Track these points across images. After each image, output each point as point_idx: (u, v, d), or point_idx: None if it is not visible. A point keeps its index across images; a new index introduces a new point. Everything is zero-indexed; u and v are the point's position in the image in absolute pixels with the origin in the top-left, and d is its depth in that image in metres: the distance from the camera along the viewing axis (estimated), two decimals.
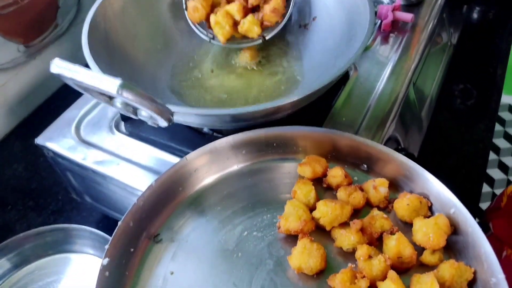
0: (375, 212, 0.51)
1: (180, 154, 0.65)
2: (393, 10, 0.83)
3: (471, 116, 0.94)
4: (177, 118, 0.55)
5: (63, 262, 0.71)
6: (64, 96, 0.73)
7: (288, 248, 0.49)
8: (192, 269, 0.49)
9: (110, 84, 0.44)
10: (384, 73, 0.75)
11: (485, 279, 0.44)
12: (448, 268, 0.45)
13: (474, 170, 0.84)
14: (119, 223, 0.49)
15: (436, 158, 0.86)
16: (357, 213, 0.52)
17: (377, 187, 0.52)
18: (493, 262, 0.44)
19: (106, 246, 0.48)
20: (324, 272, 0.48)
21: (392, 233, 0.49)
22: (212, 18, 0.71)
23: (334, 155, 0.57)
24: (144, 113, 0.51)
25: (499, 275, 0.43)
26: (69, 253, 0.72)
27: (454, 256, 0.48)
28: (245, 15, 0.71)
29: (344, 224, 0.50)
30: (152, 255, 0.50)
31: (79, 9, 1.00)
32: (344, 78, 0.73)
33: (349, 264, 0.47)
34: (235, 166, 0.58)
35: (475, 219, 0.47)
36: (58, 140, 0.69)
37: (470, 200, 0.79)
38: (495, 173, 1.82)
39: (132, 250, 0.50)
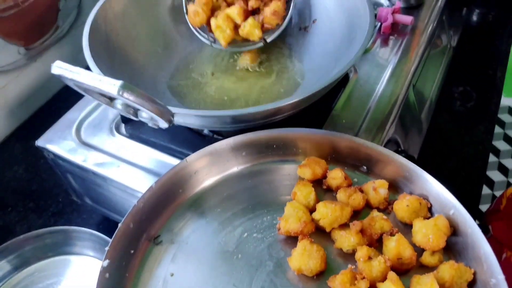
0: (375, 213, 0.51)
1: (180, 156, 0.65)
2: (393, 12, 0.83)
3: (471, 118, 0.94)
4: (177, 120, 0.55)
5: (63, 264, 0.71)
6: (64, 98, 0.73)
7: (288, 250, 0.50)
8: (192, 271, 0.49)
9: (111, 85, 0.44)
10: (384, 75, 0.75)
11: (484, 280, 0.44)
12: (448, 269, 0.45)
13: (474, 172, 0.84)
14: (119, 225, 0.49)
15: (436, 160, 0.86)
16: (357, 214, 0.52)
17: (377, 189, 0.52)
18: (493, 263, 0.44)
19: (106, 248, 0.48)
20: (324, 274, 0.48)
21: (392, 234, 0.49)
22: (213, 22, 0.71)
23: (334, 156, 0.57)
24: (145, 115, 0.52)
25: (499, 276, 0.43)
26: (69, 255, 0.72)
27: (453, 257, 0.48)
28: (245, 18, 0.71)
29: (344, 226, 0.50)
30: (152, 257, 0.51)
31: (79, 11, 1.00)
32: (344, 80, 0.73)
33: (349, 265, 0.47)
34: (235, 168, 0.58)
35: (475, 221, 0.47)
36: (58, 142, 0.69)
37: (470, 202, 0.79)
38: (495, 175, 1.82)
39: (132, 252, 0.50)
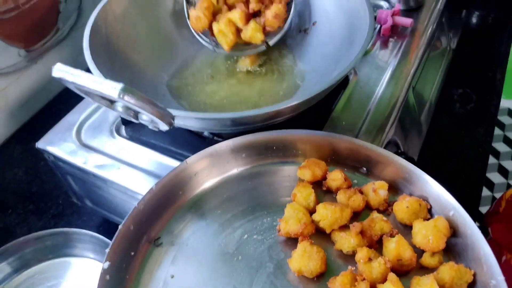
0: (375, 214, 0.51)
1: (181, 158, 0.65)
2: (393, 15, 0.83)
3: (470, 120, 0.94)
4: (177, 122, 0.56)
5: (63, 266, 0.71)
6: (65, 100, 0.73)
7: (288, 251, 0.50)
8: (192, 273, 0.49)
9: (112, 88, 0.44)
10: (384, 77, 0.75)
11: (484, 281, 0.44)
12: (448, 270, 0.45)
13: (474, 174, 0.84)
14: (120, 226, 0.50)
15: (436, 162, 0.86)
16: (356, 216, 0.52)
17: (377, 190, 0.52)
18: (493, 264, 0.44)
19: (107, 250, 0.48)
20: (324, 275, 0.48)
21: (391, 235, 0.49)
22: (215, 26, 0.71)
23: (334, 158, 0.57)
24: (145, 117, 0.52)
25: (499, 277, 0.43)
26: (70, 257, 0.72)
27: (453, 258, 0.48)
28: (247, 21, 0.72)
29: (344, 227, 0.50)
30: (153, 258, 0.51)
31: (79, 13, 1.00)
32: (344, 82, 0.73)
33: (349, 267, 0.47)
34: (235, 169, 0.58)
35: (474, 222, 0.47)
36: (59, 144, 0.69)
37: (469, 204, 0.79)
38: (495, 177, 1.82)
39: (132, 253, 0.50)
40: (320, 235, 0.51)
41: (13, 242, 0.69)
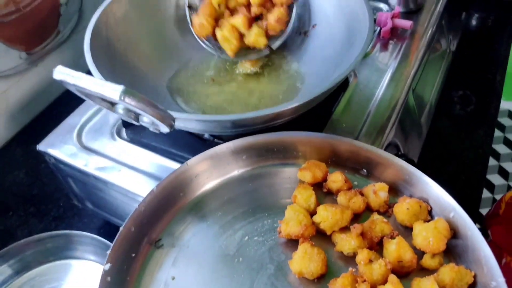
0: (375, 216, 0.51)
1: (181, 160, 0.65)
2: (392, 17, 0.83)
3: (470, 122, 0.94)
4: (178, 124, 0.56)
5: (64, 268, 0.71)
6: (65, 102, 0.73)
7: (289, 253, 0.50)
8: (193, 274, 0.49)
9: (113, 90, 0.45)
10: (384, 79, 0.75)
11: (485, 283, 0.44)
12: (448, 272, 0.45)
13: (474, 176, 0.85)
14: (121, 228, 0.50)
15: (436, 164, 0.86)
16: (357, 217, 0.52)
17: (377, 192, 0.52)
18: (493, 266, 0.44)
19: (108, 252, 0.48)
20: (325, 277, 0.48)
21: (392, 237, 0.49)
22: (219, 33, 0.72)
23: (334, 160, 0.58)
24: (146, 119, 0.52)
25: (499, 279, 0.43)
26: (70, 259, 0.72)
27: (454, 260, 0.48)
28: (250, 26, 0.72)
29: (345, 229, 0.50)
30: (153, 260, 0.51)
31: (80, 16, 1.00)
32: (344, 84, 0.74)
33: (350, 269, 0.47)
34: (235, 171, 0.58)
35: (475, 224, 0.47)
36: (60, 147, 0.69)
37: (470, 206, 0.79)
38: (495, 179, 1.82)
39: (133, 255, 0.50)
40: (320, 237, 0.51)
41: (14, 244, 0.69)
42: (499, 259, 0.45)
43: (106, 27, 0.69)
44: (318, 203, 0.52)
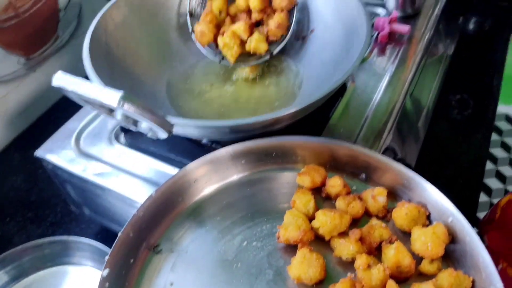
0: (374, 221, 0.51)
1: (179, 165, 0.65)
2: (390, 22, 0.84)
3: (468, 126, 0.94)
4: (176, 130, 0.56)
5: (61, 274, 0.71)
6: (64, 108, 0.73)
7: (287, 258, 0.50)
8: (191, 280, 0.49)
9: (111, 96, 0.45)
10: (381, 84, 0.75)
11: None
12: (447, 277, 0.45)
13: (471, 180, 0.85)
14: (119, 233, 0.49)
15: (433, 168, 0.86)
16: (356, 222, 0.52)
17: (376, 197, 0.52)
18: (492, 271, 0.44)
19: (106, 257, 0.48)
20: (323, 282, 0.48)
21: (391, 242, 0.49)
22: (220, 40, 0.72)
23: (333, 164, 0.58)
24: (144, 125, 0.52)
25: (498, 284, 0.43)
26: (68, 265, 0.71)
27: (452, 265, 0.48)
28: (251, 32, 0.73)
29: (343, 234, 0.50)
30: (152, 266, 0.50)
31: (79, 21, 1.01)
32: (341, 89, 0.74)
33: (349, 274, 0.47)
34: (234, 176, 0.58)
35: (473, 228, 0.48)
36: (58, 152, 0.69)
37: (467, 209, 0.79)
38: (493, 183, 1.82)
39: (132, 261, 0.50)
40: (319, 242, 0.50)
41: (12, 250, 0.69)
42: (495, 264, 0.45)
43: (105, 32, 0.69)
44: (317, 208, 0.52)
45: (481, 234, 1.12)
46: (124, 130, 0.71)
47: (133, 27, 0.74)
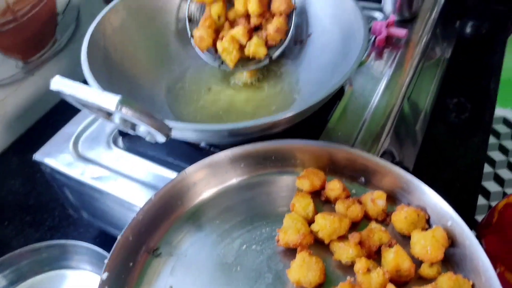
0: (373, 225, 0.51)
1: (178, 169, 0.65)
2: (387, 26, 0.84)
3: (465, 129, 0.94)
4: (174, 134, 0.56)
5: (59, 278, 0.71)
6: (62, 111, 0.73)
7: (287, 262, 0.49)
8: (191, 283, 0.49)
9: (110, 100, 0.45)
10: (379, 88, 0.76)
11: None
12: (447, 281, 0.45)
13: (469, 183, 0.85)
14: (119, 237, 0.49)
15: (431, 171, 0.87)
16: (355, 226, 0.52)
17: (375, 200, 0.52)
18: (491, 275, 0.44)
19: (106, 261, 0.48)
20: (323, 286, 0.48)
21: (390, 246, 0.49)
22: (219, 45, 0.73)
23: (332, 168, 0.58)
24: (142, 129, 0.52)
25: None
26: (66, 269, 0.71)
27: (452, 269, 0.48)
28: (250, 37, 0.73)
29: (343, 237, 0.50)
30: (151, 269, 0.50)
31: (77, 25, 1.01)
32: (339, 93, 0.74)
33: (348, 277, 0.47)
34: (233, 179, 0.58)
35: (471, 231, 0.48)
36: (56, 156, 0.69)
37: (465, 213, 0.80)
38: (491, 186, 1.83)
39: (131, 264, 0.50)
40: (318, 246, 0.50)
41: (10, 254, 0.68)
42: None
43: (103, 36, 0.69)
44: (316, 212, 0.52)
45: (479, 238, 1.12)
46: (122, 134, 0.71)
47: (131, 31, 0.74)
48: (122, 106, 0.45)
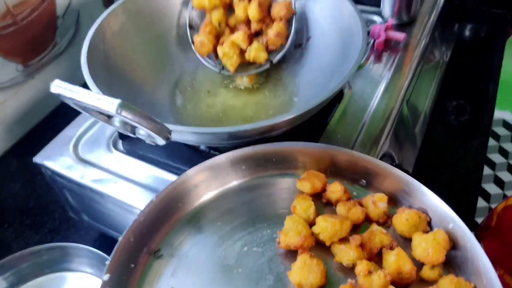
0: (375, 227, 0.51)
1: (178, 171, 0.65)
2: (386, 29, 0.84)
3: (465, 132, 0.95)
4: (174, 136, 0.56)
5: (60, 281, 0.71)
6: (62, 114, 0.73)
7: (288, 264, 0.49)
8: (192, 285, 0.49)
9: (109, 104, 0.45)
10: (378, 90, 0.76)
11: None
12: (448, 284, 0.45)
13: (469, 185, 0.85)
14: (120, 238, 0.49)
15: (430, 174, 0.87)
16: (356, 228, 0.52)
17: (376, 202, 0.52)
18: (492, 277, 0.44)
19: (107, 262, 0.47)
20: None
21: (391, 248, 0.49)
22: (220, 50, 0.73)
23: (333, 170, 0.58)
24: (142, 132, 0.52)
25: None
26: (66, 272, 0.71)
27: (453, 271, 0.48)
28: (250, 42, 0.73)
29: (344, 240, 0.50)
30: (153, 271, 0.50)
31: (77, 28, 1.01)
32: (338, 96, 0.74)
33: (349, 280, 0.47)
34: (234, 181, 0.58)
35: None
36: (56, 159, 0.69)
37: (465, 215, 0.80)
38: (491, 188, 1.83)
39: (132, 266, 0.50)
40: (320, 248, 0.50)
41: (10, 257, 0.68)
42: None
43: (103, 40, 0.69)
44: (317, 214, 0.52)
45: (478, 241, 1.12)
46: (122, 136, 0.71)
47: (130, 35, 0.74)
48: (122, 109, 0.45)
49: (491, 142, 1.93)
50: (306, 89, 0.75)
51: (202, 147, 0.68)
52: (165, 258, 0.51)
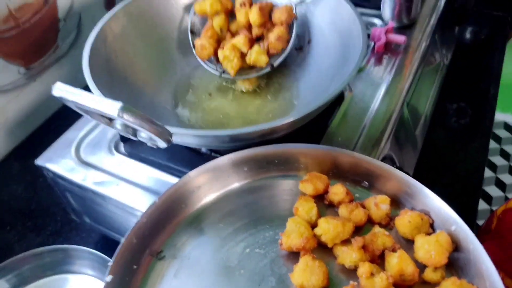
0: (377, 229, 0.51)
1: (179, 174, 0.65)
2: (386, 32, 0.84)
3: (465, 134, 0.95)
4: (175, 139, 0.56)
5: (62, 283, 0.71)
6: (64, 117, 0.73)
7: (290, 265, 0.49)
8: (194, 286, 0.49)
9: (111, 107, 0.45)
10: (378, 93, 0.76)
11: None
12: (451, 286, 0.45)
13: (470, 188, 0.85)
14: (123, 240, 0.49)
15: (431, 176, 0.87)
16: (358, 230, 0.52)
17: (379, 204, 0.52)
18: (495, 279, 0.44)
19: (110, 263, 0.48)
20: None
21: (394, 250, 0.49)
22: (220, 53, 0.73)
23: (335, 172, 0.58)
24: (144, 135, 0.52)
25: None
26: (68, 274, 0.71)
27: (456, 273, 0.48)
28: (251, 46, 0.73)
29: (346, 241, 0.50)
30: (155, 272, 0.50)
31: (79, 31, 1.01)
32: (339, 98, 0.74)
33: (351, 282, 0.46)
34: (236, 183, 0.58)
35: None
36: (58, 161, 0.69)
37: (466, 217, 0.80)
38: (493, 191, 1.83)
39: (135, 267, 0.50)
40: (322, 250, 0.51)
41: (12, 259, 0.68)
42: None
43: (104, 43, 0.69)
44: (320, 216, 0.52)
45: None
46: (123, 139, 0.71)
47: (132, 38, 0.74)
48: (124, 112, 0.45)
49: (493, 144, 1.93)
50: (307, 92, 0.75)
51: (203, 149, 0.68)
52: (168, 259, 0.51)
